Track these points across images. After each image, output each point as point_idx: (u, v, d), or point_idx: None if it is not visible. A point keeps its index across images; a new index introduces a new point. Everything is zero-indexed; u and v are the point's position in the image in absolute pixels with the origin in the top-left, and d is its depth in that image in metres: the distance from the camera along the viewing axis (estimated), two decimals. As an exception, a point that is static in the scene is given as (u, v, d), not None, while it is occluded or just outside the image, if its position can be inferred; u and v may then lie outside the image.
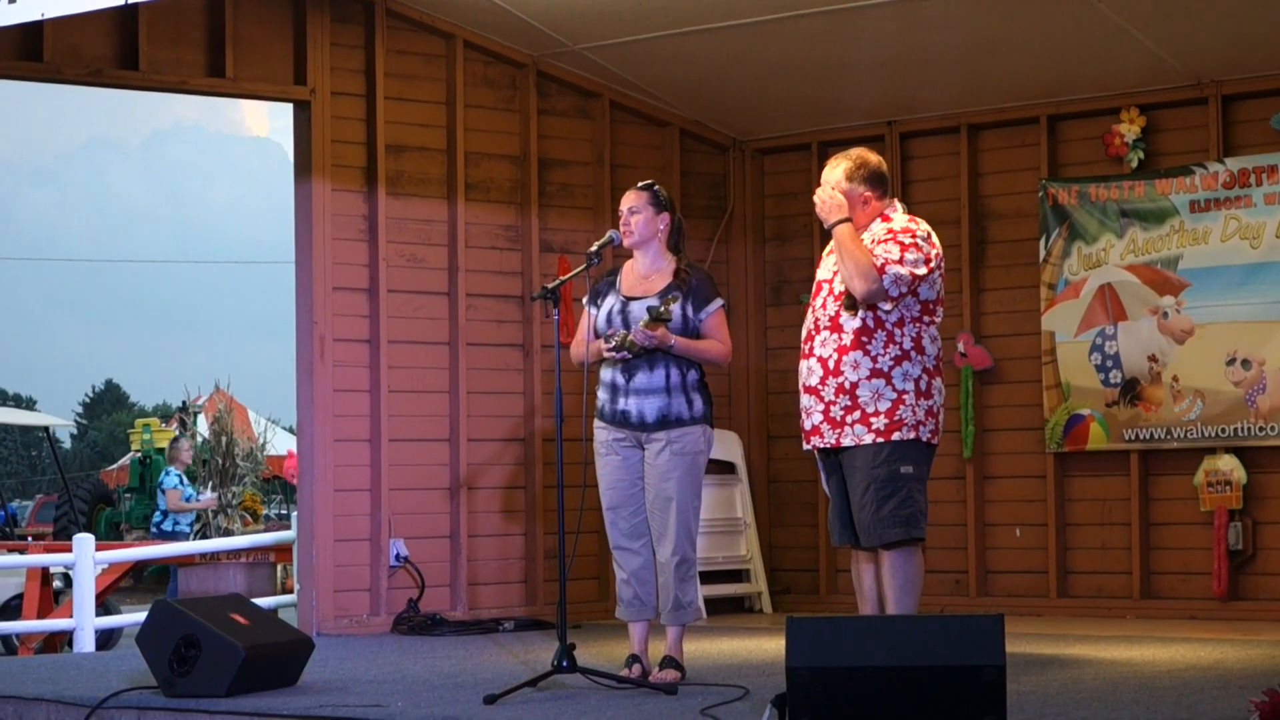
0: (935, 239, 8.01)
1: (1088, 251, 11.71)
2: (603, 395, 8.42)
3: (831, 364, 7.92)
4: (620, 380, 8.37)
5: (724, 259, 12.99)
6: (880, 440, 7.84)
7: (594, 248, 8.42)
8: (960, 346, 12.07)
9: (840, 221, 7.95)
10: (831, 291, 8.01)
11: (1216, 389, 11.26)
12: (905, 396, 7.87)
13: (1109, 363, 11.61)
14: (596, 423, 8.47)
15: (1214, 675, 8.15)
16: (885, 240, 7.91)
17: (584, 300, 8.66)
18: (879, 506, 7.84)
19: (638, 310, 8.31)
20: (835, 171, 8.11)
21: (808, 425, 8.03)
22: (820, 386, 7.95)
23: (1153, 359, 11.48)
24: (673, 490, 8.31)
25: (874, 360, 7.86)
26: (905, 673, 6.37)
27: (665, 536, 8.32)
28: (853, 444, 7.89)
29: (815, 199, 8.07)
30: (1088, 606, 11.68)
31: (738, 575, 12.66)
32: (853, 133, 12.34)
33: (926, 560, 11.24)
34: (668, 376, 8.31)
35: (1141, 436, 11.51)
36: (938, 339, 8.02)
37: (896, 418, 7.85)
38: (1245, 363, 11.16)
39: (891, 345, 7.88)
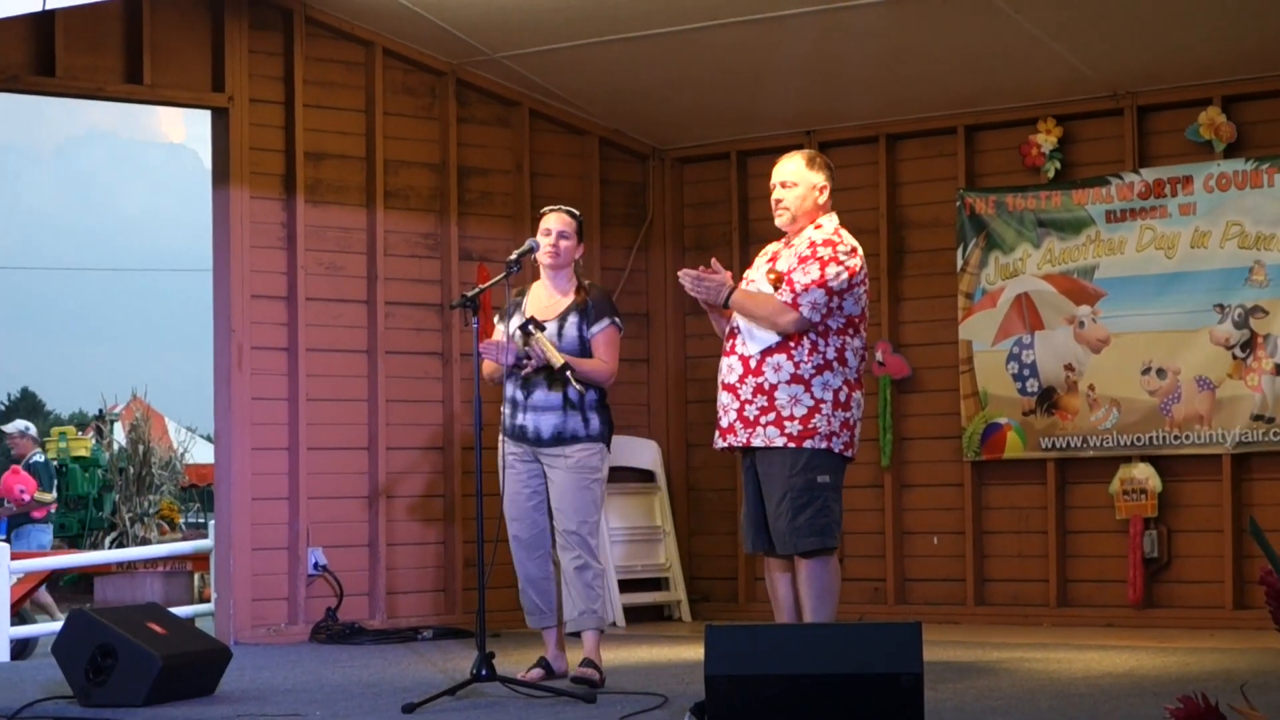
0: (860, 253, 8.05)
1: (1005, 261, 11.77)
2: (505, 410, 8.61)
3: (753, 364, 7.94)
4: (519, 396, 8.54)
5: (643, 268, 13.00)
6: (792, 445, 7.87)
7: (513, 256, 8.48)
8: (878, 355, 12.11)
9: (729, 294, 7.98)
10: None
11: (1132, 398, 11.33)
12: (822, 406, 7.90)
13: (1026, 371, 11.67)
14: (500, 436, 8.61)
15: (1129, 682, 8.20)
16: (806, 259, 7.94)
17: (496, 319, 8.79)
18: (794, 515, 7.86)
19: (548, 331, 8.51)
20: (792, 162, 8.16)
21: (723, 423, 8.07)
22: (739, 385, 7.99)
23: (1069, 368, 11.54)
24: (570, 504, 8.50)
25: (796, 366, 7.89)
26: (824, 680, 6.38)
27: (567, 547, 8.56)
28: (763, 444, 7.92)
29: (691, 291, 8.07)
30: (1005, 614, 11.73)
31: (657, 583, 12.67)
32: (772, 141, 12.37)
33: (845, 569, 11.26)
34: (565, 395, 8.46)
35: (1058, 445, 11.58)
36: (861, 353, 8.05)
37: (811, 425, 7.87)
38: (1160, 372, 11.24)
39: (815, 354, 7.90)
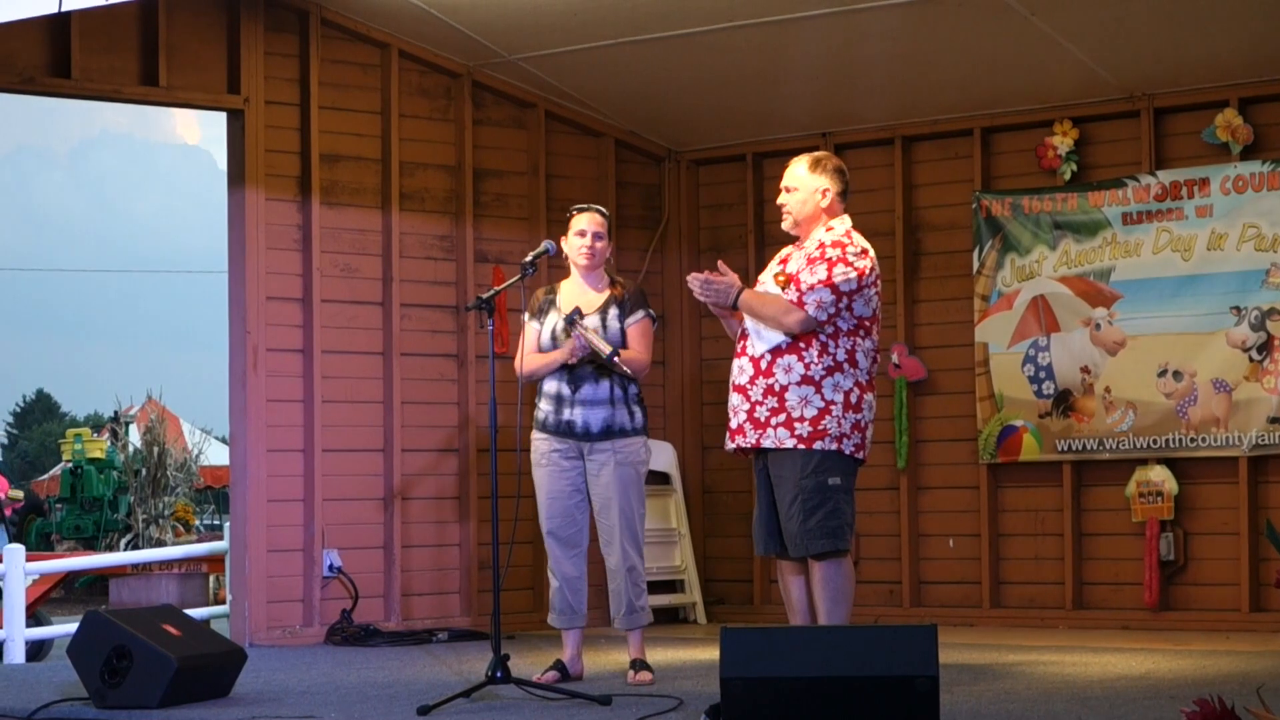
0: (871, 254, 8.05)
1: (1021, 263, 11.76)
2: (545, 406, 8.62)
3: (764, 365, 7.96)
4: (566, 391, 8.60)
5: (659, 270, 13.00)
6: (802, 447, 7.87)
7: (529, 258, 8.51)
8: (894, 358, 12.11)
9: (737, 295, 7.99)
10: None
11: (1148, 400, 11.32)
12: (833, 407, 7.90)
13: (1042, 374, 11.66)
14: (536, 434, 8.63)
15: (1145, 685, 8.19)
16: (814, 260, 7.95)
17: (525, 316, 8.80)
18: (806, 517, 7.87)
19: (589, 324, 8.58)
20: (798, 166, 8.21)
21: (733, 424, 8.10)
22: (749, 386, 8.00)
23: (1085, 370, 11.53)
24: (619, 499, 8.59)
25: (806, 367, 7.90)
26: (839, 683, 6.38)
27: (613, 545, 8.65)
28: (773, 446, 7.93)
29: (699, 295, 8.09)
30: (1020, 617, 11.73)
31: (672, 585, 12.66)
32: (788, 144, 12.36)
33: (861, 571, 11.28)
34: (611, 389, 8.60)
35: (1074, 447, 11.56)
36: (872, 354, 8.05)
37: (821, 427, 7.88)
38: (1177, 374, 11.23)
39: (825, 355, 7.91)
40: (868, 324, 8.01)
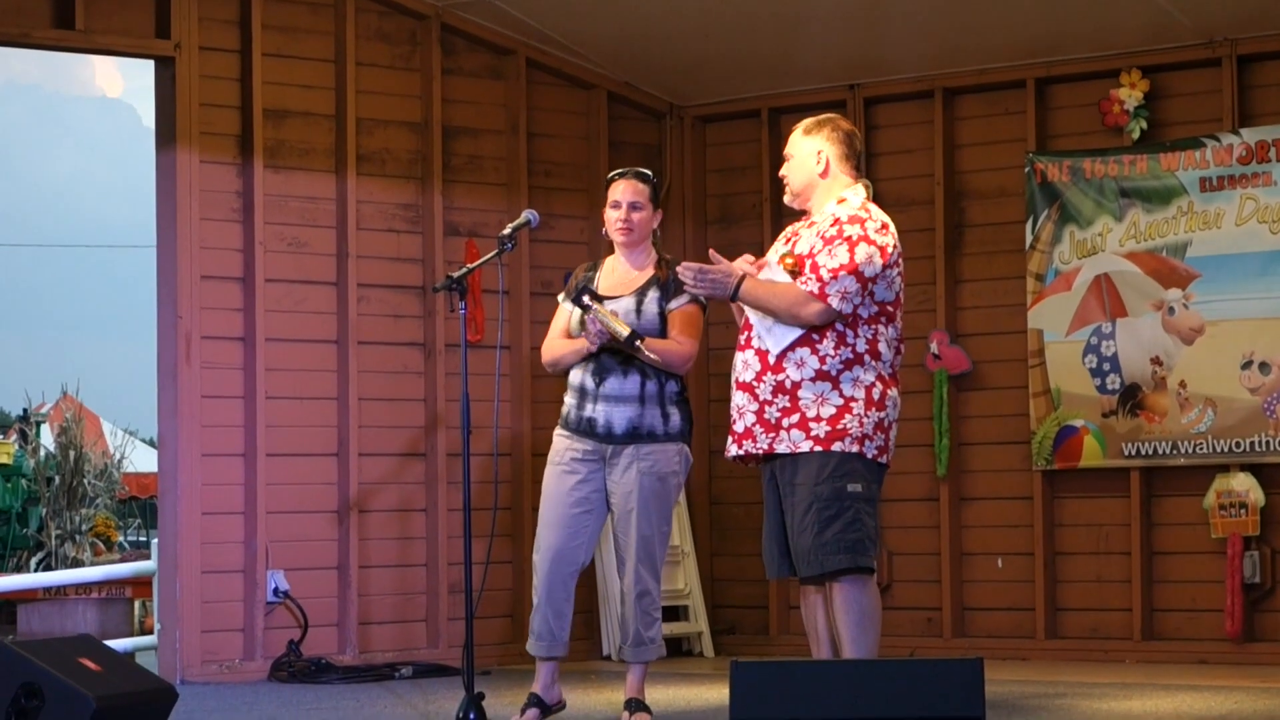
0: (892, 229, 8.06)
1: (1081, 237, 11.78)
2: (570, 400, 8.60)
3: (772, 359, 7.95)
4: (590, 384, 8.55)
5: (659, 243, 12.98)
6: (819, 449, 7.86)
7: (507, 230, 8.52)
8: (933, 347, 12.12)
9: (737, 285, 7.98)
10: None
11: (1230, 396, 11.33)
12: (853, 405, 7.90)
13: (1106, 366, 11.68)
14: (558, 431, 8.59)
15: (1226, 729, 8.22)
16: (832, 240, 7.93)
17: (560, 297, 8.78)
18: (821, 529, 7.86)
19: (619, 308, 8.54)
20: (796, 131, 8.25)
21: (739, 427, 8.06)
22: (756, 383, 7.99)
23: (1156, 362, 11.55)
24: (638, 513, 8.50)
25: (821, 361, 7.89)
26: (869, 726, 6.40)
27: (626, 564, 8.58)
28: (788, 451, 7.91)
29: (692, 287, 8.10)
30: (1081, 649, 11.75)
31: (674, 612, 12.67)
32: (809, 97, 12.38)
33: (894, 596, 11.30)
34: (642, 384, 8.50)
35: (1143, 451, 11.58)
36: (896, 344, 8.04)
37: (840, 426, 7.88)
38: (1264, 366, 11.25)
39: (843, 347, 7.90)
40: (890, 309, 8.00)
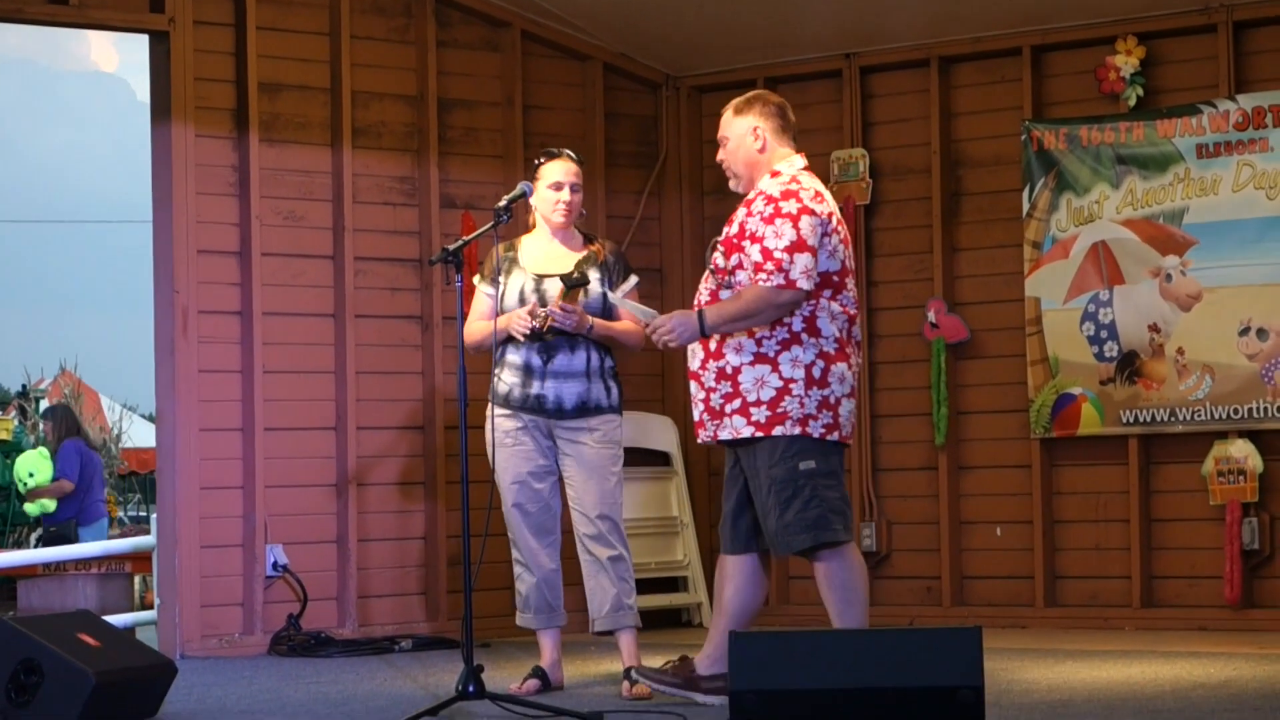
0: (828, 196, 8.04)
1: (1078, 204, 11.77)
2: (511, 379, 8.71)
3: (713, 345, 7.97)
4: (537, 362, 8.72)
5: (655, 214, 13.00)
6: (760, 435, 7.88)
7: (503, 202, 8.54)
8: (931, 315, 12.12)
9: (701, 324, 7.95)
10: (714, 263, 8.08)
11: (1228, 363, 11.33)
12: (793, 386, 7.87)
13: (1103, 333, 11.67)
14: (497, 410, 8.66)
15: (1225, 695, 8.21)
16: (771, 218, 7.84)
17: (476, 279, 8.91)
18: (782, 511, 7.88)
19: (553, 288, 8.69)
20: (726, 115, 8.25)
21: (695, 416, 8.18)
22: (701, 371, 8.05)
23: (1154, 329, 11.54)
24: (599, 486, 8.73)
25: (758, 344, 7.89)
26: (868, 696, 6.40)
27: (596, 535, 8.82)
28: (730, 437, 7.97)
29: (672, 346, 8.11)
30: (1080, 617, 11.76)
31: (673, 583, 12.68)
32: (805, 66, 12.39)
33: (893, 565, 11.30)
34: (588, 360, 8.76)
35: (1141, 419, 11.59)
36: (841, 316, 7.95)
37: (780, 410, 7.87)
38: (1261, 332, 11.24)
39: (779, 327, 7.88)
40: (836, 279, 7.95)
